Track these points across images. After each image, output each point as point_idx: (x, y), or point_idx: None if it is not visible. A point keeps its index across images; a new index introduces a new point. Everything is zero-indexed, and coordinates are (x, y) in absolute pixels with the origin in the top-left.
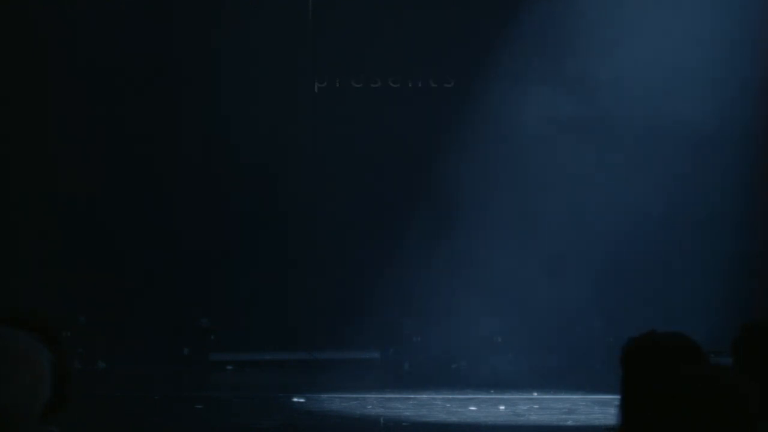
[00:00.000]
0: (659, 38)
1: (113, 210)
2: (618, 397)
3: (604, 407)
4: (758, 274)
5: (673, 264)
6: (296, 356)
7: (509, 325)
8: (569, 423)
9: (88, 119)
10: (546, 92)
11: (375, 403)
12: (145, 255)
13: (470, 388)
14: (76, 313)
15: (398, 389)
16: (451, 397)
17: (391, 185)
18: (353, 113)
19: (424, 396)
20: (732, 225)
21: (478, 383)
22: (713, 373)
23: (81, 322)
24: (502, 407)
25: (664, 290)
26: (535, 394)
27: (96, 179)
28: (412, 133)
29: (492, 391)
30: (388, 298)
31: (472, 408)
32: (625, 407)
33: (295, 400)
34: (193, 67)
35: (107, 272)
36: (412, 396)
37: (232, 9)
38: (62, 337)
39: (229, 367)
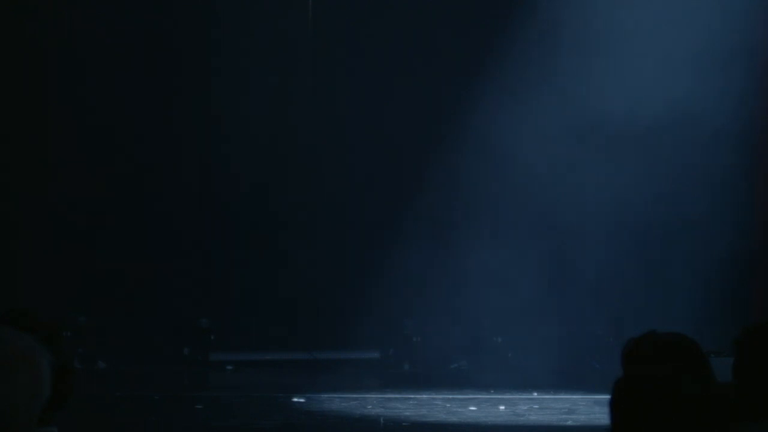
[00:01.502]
0: (655, 35)
1: (113, 210)
2: None
3: (604, 407)
4: (758, 274)
5: (673, 263)
6: (296, 356)
7: (509, 325)
8: (569, 423)
9: (88, 120)
10: (541, 97)
11: (375, 403)
12: (144, 255)
13: (470, 388)
14: (76, 313)
15: (398, 389)
16: (451, 397)
17: (391, 185)
18: (352, 115)
19: (424, 396)
20: (732, 224)
21: (478, 383)
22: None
23: (81, 322)
24: (502, 407)
25: (664, 290)
26: (535, 394)
27: (95, 179)
28: (413, 132)
29: (492, 391)
30: (388, 298)
31: (472, 408)
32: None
33: (295, 400)
34: (192, 68)
35: (107, 272)
36: (412, 396)
37: (231, 10)
38: (62, 337)
39: (229, 367)
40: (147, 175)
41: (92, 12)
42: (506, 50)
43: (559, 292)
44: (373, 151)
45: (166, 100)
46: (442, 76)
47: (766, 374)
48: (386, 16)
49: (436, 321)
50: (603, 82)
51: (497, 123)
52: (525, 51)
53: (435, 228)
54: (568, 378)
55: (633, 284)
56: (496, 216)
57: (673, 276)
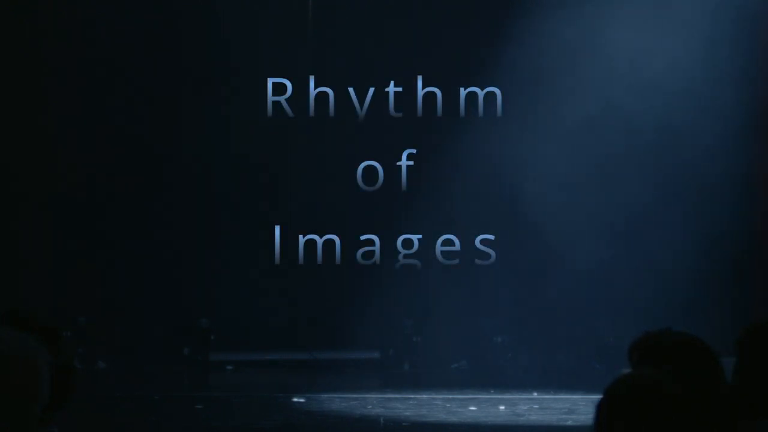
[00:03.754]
0: (653, 39)
1: (113, 210)
2: None
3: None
4: (758, 273)
5: (673, 263)
6: (296, 356)
7: (509, 325)
8: (569, 423)
9: (88, 120)
10: (540, 97)
11: (375, 403)
12: (144, 255)
13: (470, 388)
14: (76, 313)
15: (398, 389)
16: (451, 397)
17: (390, 184)
18: (352, 113)
19: (424, 396)
20: (732, 225)
21: (478, 383)
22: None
23: (81, 322)
24: (502, 407)
25: (664, 290)
26: (535, 394)
27: (96, 179)
28: (414, 129)
29: (492, 391)
30: (388, 298)
31: (472, 408)
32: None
33: (295, 400)
34: (192, 68)
35: (107, 272)
36: (412, 396)
37: (233, 12)
38: (62, 337)
39: (229, 367)
40: (147, 175)
41: (92, 12)
42: (504, 51)
43: (559, 291)
44: (373, 151)
45: (167, 101)
46: (441, 76)
47: (766, 374)
48: (385, 17)
49: (436, 321)
50: (602, 83)
51: (496, 125)
52: (521, 52)
53: (434, 227)
54: (568, 378)
55: (633, 284)
56: (495, 216)
57: (672, 275)
